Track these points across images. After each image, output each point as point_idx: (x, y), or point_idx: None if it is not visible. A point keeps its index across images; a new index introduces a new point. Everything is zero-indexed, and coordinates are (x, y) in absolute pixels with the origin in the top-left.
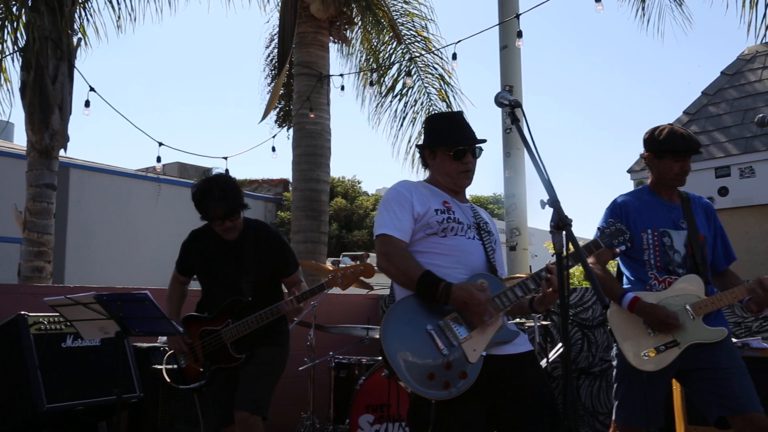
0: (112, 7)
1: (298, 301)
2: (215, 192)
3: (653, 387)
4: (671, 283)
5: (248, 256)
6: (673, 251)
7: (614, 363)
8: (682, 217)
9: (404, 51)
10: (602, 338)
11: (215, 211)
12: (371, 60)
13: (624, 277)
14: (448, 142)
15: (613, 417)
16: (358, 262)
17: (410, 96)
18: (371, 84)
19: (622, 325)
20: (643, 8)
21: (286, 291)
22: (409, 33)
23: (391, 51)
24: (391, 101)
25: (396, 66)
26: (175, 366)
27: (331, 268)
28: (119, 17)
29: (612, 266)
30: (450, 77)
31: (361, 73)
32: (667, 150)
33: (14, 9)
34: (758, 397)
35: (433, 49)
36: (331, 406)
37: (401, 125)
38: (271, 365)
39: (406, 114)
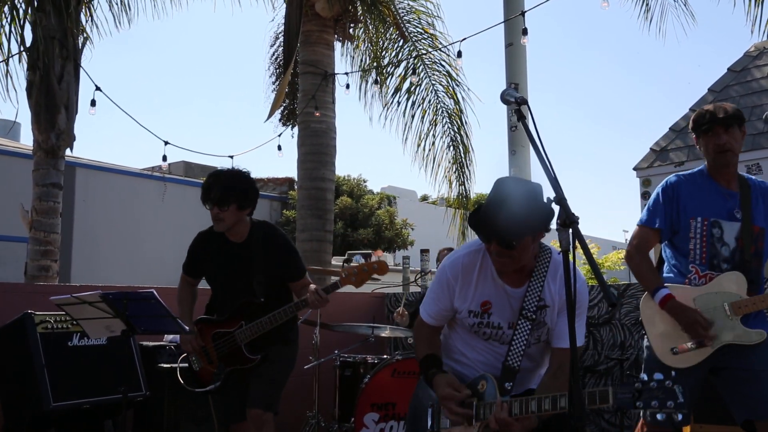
0: (118, 4)
1: (326, 291)
2: (220, 176)
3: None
4: (712, 279)
5: (257, 258)
6: (721, 244)
7: (644, 355)
8: (738, 207)
9: (411, 49)
10: (608, 336)
11: (207, 193)
12: (381, 57)
13: (665, 265)
14: (474, 226)
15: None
16: (371, 260)
17: (418, 94)
18: (376, 82)
19: (654, 318)
20: (647, 8)
21: None
22: (415, 30)
23: (398, 49)
24: (399, 100)
25: (403, 64)
26: (187, 365)
27: (338, 270)
28: (124, 12)
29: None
30: (457, 74)
31: (370, 72)
32: (693, 129)
33: (20, 9)
34: None
35: (440, 46)
36: (336, 405)
37: (410, 123)
38: (281, 363)
39: (415, 112)
